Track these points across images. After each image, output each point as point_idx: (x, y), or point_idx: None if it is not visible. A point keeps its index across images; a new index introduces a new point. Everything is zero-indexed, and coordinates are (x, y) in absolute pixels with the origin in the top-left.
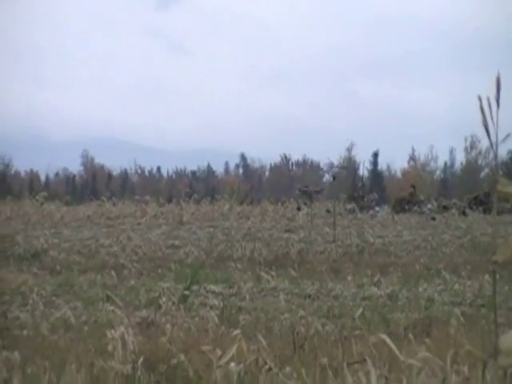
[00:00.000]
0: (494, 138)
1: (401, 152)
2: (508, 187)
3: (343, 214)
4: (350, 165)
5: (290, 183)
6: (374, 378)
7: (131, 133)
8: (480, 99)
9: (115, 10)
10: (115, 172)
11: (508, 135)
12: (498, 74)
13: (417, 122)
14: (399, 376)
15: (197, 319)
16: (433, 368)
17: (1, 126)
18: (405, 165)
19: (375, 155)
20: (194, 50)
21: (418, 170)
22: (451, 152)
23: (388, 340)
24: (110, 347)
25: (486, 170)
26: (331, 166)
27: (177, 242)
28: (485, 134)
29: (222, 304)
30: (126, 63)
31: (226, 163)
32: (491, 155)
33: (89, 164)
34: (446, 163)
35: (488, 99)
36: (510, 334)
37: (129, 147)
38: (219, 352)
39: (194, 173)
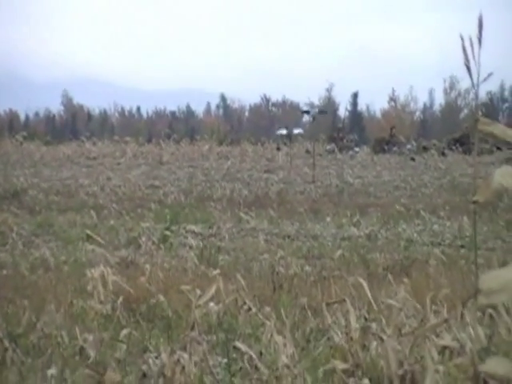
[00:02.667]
0: (475, 78)
1: (381, 93)
2: (488, 126)
3: (323, 155)
4: (329, 105)
5: (270, 124)
6: (353, 318)
7: (111, 73)
8: (462, 39)
9: None
10: (95, 112)
11: (490, 74)
12: (481, 13)
13: (397, 63)
14: (378, 316)
15: (176, 259)
16: (412, 308)
17: None
18: (385, 106)
19: (355, 96)
20: None
21: (397, 111)
22: (430, 93)
23: (364, 284)
24: (89, 287)
25: (466, 111)
26: (311, 106)
27: (156, 182)
28: (466, 74)
29: (201, 244)
30: (106, 4)
31: (207, 104)
32: (471, 96)
33: (68, 104)
34: (425, 104)
35: (470, 39)
36: (490, 274)
37: (108, 87)
38: (198, 292)
39: (173, 113)
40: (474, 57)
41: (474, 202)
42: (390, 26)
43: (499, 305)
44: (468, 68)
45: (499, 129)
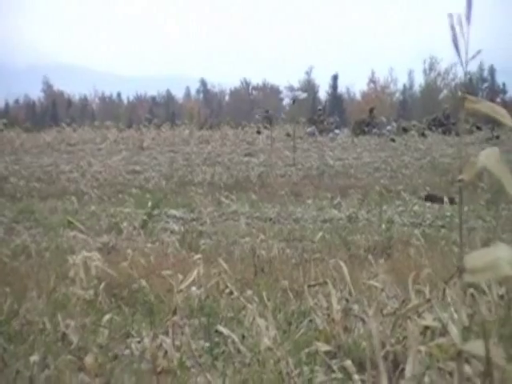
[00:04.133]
0: (463, 56)
1: (360, 76)
2: (476, 104)
3: (303, 138)
4: (309, 88)
5: (250, 107)
6: (334, 300)
7: (90, 59)
8: (450, 16)
9: None
10: (75, 98)
11: (478, 52)
12: None
13: (376, 46)
14: (360, 297)
15: (158, 244)
16: (393, 289)
17: None
18: (364, 87)
19: (335, 78)
20: None
21: (377, 93)
22: (410, 74)
23: (344, 266)
24: (71, 273)
25: (445, 92)
26: (291, 89)
27: (137, 168)
28: (446, 54)
29: (182, 229)
30: None
31: (187, 88)
32: (450, 76)
33: (48, 90)
34: (404, 85)
35: (456, 16)
36: (476, 253)
37: (88, 73)
38: (180, 276)
39: (153, 98)
40: (463, 35)
41: (460, 181)
42: (368, 8)
43: (481, 284)
44: (456, 46)
45: (487, 106)
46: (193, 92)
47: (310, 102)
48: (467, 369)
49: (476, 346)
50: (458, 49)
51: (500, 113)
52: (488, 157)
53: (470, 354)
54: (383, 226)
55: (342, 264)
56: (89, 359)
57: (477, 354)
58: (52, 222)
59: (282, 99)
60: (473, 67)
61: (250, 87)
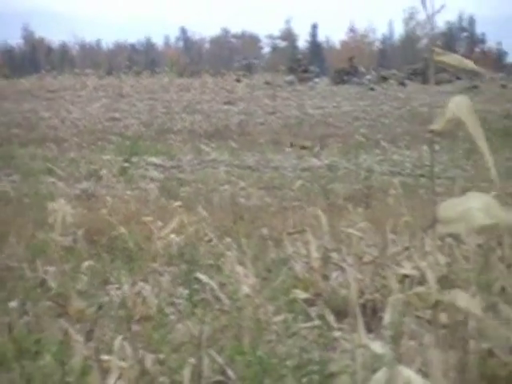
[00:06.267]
0: (430, 9)
1: (340, 26)
2: (443, 56)
3: (283, 86)
4: (288, 37)
5: (230, 55)
6: (313, 248)
7: (70, 4)
8: None
9: None
10: (55, 45)
11: (442, 6)
12: None
13: None
14: (339, 246)
15: (137, 191)
16: (372, 238)
17: None
18: (344, 37)
19: (314, 27)
20: None
21: (357, 42)
22: (390, 24)
23: (322, 215)
24: (50, 219)
25: (425, 41)
26: (271, 37)
27: (117, 115)
28: (422, 6)
29: (162, 176)
30: None
31: (166, 36)
32: (429, 26)
33: (28, 37)
34: (384, 34)
35: None
36: (449, 203)
37: (67, 19)
38: (160, 223)
39: (133, 45)
40: None
41: (431, 131)
42: None
43: (459, 233)
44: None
45: (454, 58)
46: (171, 39)
47: (289, 51)
48: (444, 317)
49: (453, 295)
50: (425, 3)
51: (467, 64)
52: (457, 105)
53: (448, 304)
54: (362, 174)
55: (320, 212)
56: (71, 305)
57: (455, 305)
58: (32, 169)
59: (261, 48)
60: (452, 17)
61: (230, 35)
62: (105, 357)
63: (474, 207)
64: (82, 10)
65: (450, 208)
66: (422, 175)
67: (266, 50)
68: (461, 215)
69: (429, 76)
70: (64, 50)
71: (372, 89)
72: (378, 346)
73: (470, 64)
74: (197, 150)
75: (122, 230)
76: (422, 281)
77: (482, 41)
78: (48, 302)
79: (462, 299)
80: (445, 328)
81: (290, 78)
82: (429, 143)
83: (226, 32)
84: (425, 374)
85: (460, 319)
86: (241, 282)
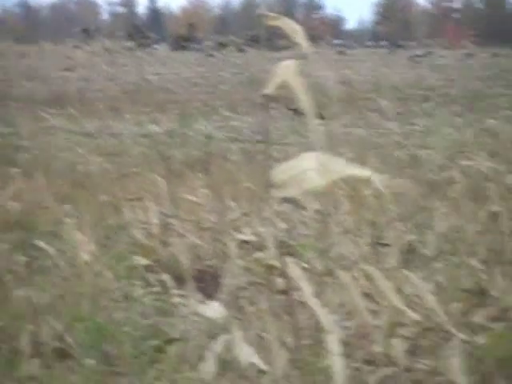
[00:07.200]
0: None
1: None
2: (276, 20)
3: (122, 53)
4: (128, 3)
5: (69, 22)
6: (152, 214)
7: None
8: None
9: None
10: None
11: None
12: None
13: None
14: (179, 212)
15: None
16: (212, 204)
17: None
18: (184, 3)
19: None
20: None
21: (196, 8)
22: None
23: (162, 181)
24: None
25: (266, 8)
26: (109, 3)
27: None
28: None
29: None
30: None
31: (3, 3)
32: None
33: None
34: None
35: None
36: (281, 167)
37: None
38: None
39: None
40: None
41: (263, 96)
42: None
43: (296, 197)
44: None
45: (286, 23)
46: (9, 4)
47: (129, 17)
48: (282, 282)
49: (289, 262)
50: None
51: (295, 29)
52: (284, 69)
53: (282, 268)
54: (201, 141)
55: (159, 179)
56: None
57: (286, 269)
58: None
59: (99, 14)
60: None
61: (69, 2)
62: None
63: (307, 168)
64: None
65: (283, 171)
66: (262, 141)
67: (105, 16)
68: (294, 178)
69: (264, 42)
70: None
71: (211, 55)
72: (213, 312)
73: (296, 29)
74: (35, 116)
75: None
76: (261, 247)
77: (319, 6)
78: None
79: (292, 266)
80: (283, 293)
81: (129, 44)
82: (263, 108)
83: None
84: (262, 340)
85: (295, 285)
86: (80, 249)
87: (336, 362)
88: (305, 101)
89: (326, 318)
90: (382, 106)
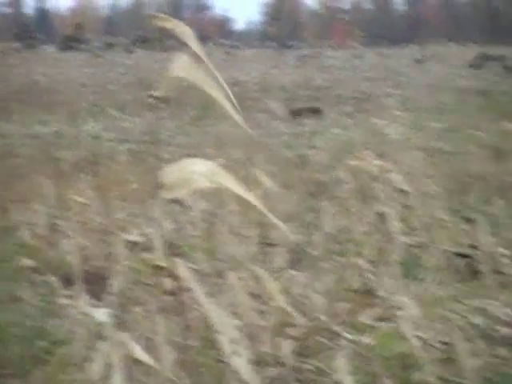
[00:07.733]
0: None
1: None
2: (164, 21)
3: (9, 53)
4: (15, 3)
5: None
6: (40, 216)
7: None
8: None
9: None
10: None
11: None
12: None
13: None
14: (66, 214)
15: None
16: (100, 205)
17: None
18: (72, 4)
19: None
20: None
21: (84, 8)
22: None
23: (49, 183)
24: None
25: (154, 8)
26: None
27: None
28: None
29: None
30: None
31: None
32: None
33: None
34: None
35: None
36: (170, 168)
37: None
38: None
39: None
40: None
41: (153, 97)
42: None
43: (184, 199)
44: None
45: (173, 24)
46: None
47: (16, 18)
48: (169, 283)
49: (175, 262)
50: None
51: (183, 30)
52: (181, 66)
53: (169, 269)
54: (89, 141)
55: (46, 180)
56: None
57: (175, 270)
58: None
59: None
60: None
61: None
62: None
63: (196, 172)
64: None
65: (171, 173)
66: (151, 142)
67: None
68: (182, 180)
69: (152, 42)
70: None
71: (99, 56)
72: (99, 314)
73: (185, 29)
74: None
75: None
76: (149, 247)
77: (207, 6)
78: None
79: (181, 266)
80: (170, 294)
81: (17, 45)
82: (153, 109)
83: None
84: (150, 340)
85: (183, 286)
86: None
87: (233, 362)
88: (212, 88)
89: (217, 318)
90: (271, 107)
